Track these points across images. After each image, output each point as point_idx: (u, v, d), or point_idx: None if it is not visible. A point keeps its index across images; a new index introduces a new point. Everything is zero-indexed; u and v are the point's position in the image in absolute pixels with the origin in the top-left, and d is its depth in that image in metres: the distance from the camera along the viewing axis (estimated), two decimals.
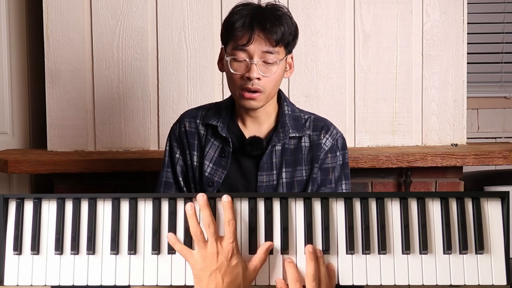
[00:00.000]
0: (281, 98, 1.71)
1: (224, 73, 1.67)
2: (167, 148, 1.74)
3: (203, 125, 1.71)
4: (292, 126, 1.66)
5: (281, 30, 1.55)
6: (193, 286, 1.23)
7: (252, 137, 1.64)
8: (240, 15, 1.57)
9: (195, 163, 1.69)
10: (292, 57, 1.66)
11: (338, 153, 1.69)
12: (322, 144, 1.67)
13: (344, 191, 1.68)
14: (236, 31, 1.56)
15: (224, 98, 2.41)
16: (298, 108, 1.74)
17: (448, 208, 1.25)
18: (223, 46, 1.66)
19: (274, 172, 1.64)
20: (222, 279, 1.13)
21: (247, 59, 1.56)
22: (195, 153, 1.69)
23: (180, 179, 1.70)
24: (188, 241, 1.23)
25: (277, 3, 1.64)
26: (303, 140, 1.67)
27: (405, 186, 2.40)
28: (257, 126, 1.67)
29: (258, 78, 1.55)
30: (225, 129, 1.67)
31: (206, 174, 1.66)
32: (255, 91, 1.57)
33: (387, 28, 2.43)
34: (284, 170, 1.64)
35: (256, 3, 1.63)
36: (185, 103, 2.42)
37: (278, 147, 1.65)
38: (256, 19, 1.55)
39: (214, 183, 1.65)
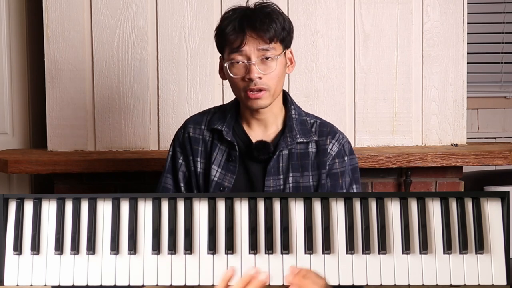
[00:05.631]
0: (287, 101, 1.69)
1: (227, 81, 1.66)
2: (170, 153, 1.71)
3: (208, 130, 1.68)
4: (300, 131, 1.64)
5: (272, 27, 1.56)
6: (193, 286, 1.23)
7: (259, 142, 1.62)
8: (229, 20, 1.58)
9: (198, 169, 1.66)
10: (291, 52, 1.66)
11: (346, 158, 1.66)
12: (329, 149, 1.65)
13: None
14: (228, 36, 1.56)
15: (224, 98, 2.42)
16: (304, 111, 1.72)
17: (448, 208, 1.25)
18: (220, 55, 1.66)
19: (281, 177, 1.62)
20: None
21: (245, 61, 1.56)
22: (199, 159, 1.66)
23: (182, 184, 1.67)
24: (188, 242, 1.23)
25: (265, 1, 1.63)
26: (310, 146, 1.65)
27: (405, 186, 2.40)
28: (263, 129, 1.66)
29: (259, 78, 1.55)
30: (230, 133, 1.64)
31: (215, 179, 1.63)
32: (259, 90, 1.56)
33: (387, 28, 2.42)
34: (290, 175, 1.62)
35: (245, 5, 1.62)
36: (185, 103, 2.42)
37: (285, 152, 1.63)
38: (245, 21, 1.56)
39: (225, 189, 1.62)
